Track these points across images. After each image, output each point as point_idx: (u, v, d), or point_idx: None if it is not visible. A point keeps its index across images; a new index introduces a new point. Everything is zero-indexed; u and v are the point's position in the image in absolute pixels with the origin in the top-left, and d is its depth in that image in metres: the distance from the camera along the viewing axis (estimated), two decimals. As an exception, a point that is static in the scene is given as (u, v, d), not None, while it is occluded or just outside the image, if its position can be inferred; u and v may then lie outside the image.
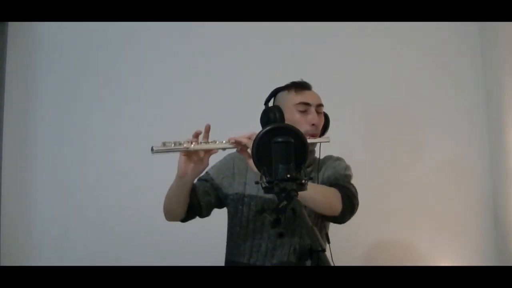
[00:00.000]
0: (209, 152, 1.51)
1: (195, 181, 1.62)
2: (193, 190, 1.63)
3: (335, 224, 1.63)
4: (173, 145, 1.44)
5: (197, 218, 1.70)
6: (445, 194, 2.47)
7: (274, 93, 1.70)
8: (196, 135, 1.48)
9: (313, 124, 1.60)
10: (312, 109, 1.62)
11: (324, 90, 1.67)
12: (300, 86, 1.65)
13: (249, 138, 1.45)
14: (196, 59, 2.55)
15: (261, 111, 1.65)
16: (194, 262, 2.04)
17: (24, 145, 2.49)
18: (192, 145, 1.47)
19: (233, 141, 1.48)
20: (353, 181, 1.65)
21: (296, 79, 1.69)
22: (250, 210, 1.61)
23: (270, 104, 1.70)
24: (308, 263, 0.93)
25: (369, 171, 2.44)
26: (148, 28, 2.51)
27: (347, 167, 1.67)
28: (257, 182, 1.18)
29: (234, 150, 1.52)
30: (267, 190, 1.15)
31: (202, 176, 1.66)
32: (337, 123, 1.75)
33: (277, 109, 1.61)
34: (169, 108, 2.52)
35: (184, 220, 1.67)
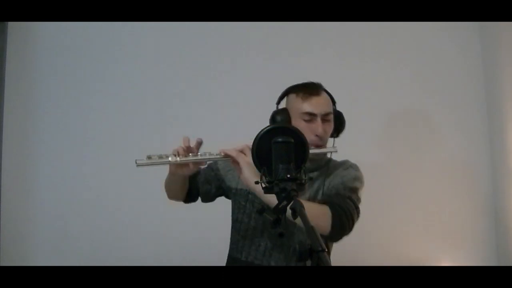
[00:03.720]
0: (197, 164, 1.49)
1: (203, 166, 1.63)
2: (195, 176, 1.66)
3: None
4: (157, 158, 1.43)
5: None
6: (445, 194, 2.47)
7: (286, 93, 1.64)
8: (183, 149, 1.46)
9: (317, 135, 1.55)
10: (318, 119, 1.54)
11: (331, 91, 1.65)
12: (308, 92, 1.57)
13: (241, 151, 1.43)
14: (198, 59, 2.54)
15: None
16: (195, 262, 2.04)
17: (24, 145, 2.48)
18: (178, 158, 1.44)
19: (223, 154, 1.46)
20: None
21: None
22: (254, 207, 1.60)
23: (282, 103, 1.65)
24: (308, 263, 0.93)
25: (369, 171, 2.44)
26: (148, 28, 2.51)
27: (356, 178, 1.59)
28: (257, 182, 1.18)
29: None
30: (267, 190, 1.15)
31: (211, 163, 1.69)
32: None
33: (285, 113, 1.59)
34: (169, 108, 2.51)
35: (185, 202, 1.71)
